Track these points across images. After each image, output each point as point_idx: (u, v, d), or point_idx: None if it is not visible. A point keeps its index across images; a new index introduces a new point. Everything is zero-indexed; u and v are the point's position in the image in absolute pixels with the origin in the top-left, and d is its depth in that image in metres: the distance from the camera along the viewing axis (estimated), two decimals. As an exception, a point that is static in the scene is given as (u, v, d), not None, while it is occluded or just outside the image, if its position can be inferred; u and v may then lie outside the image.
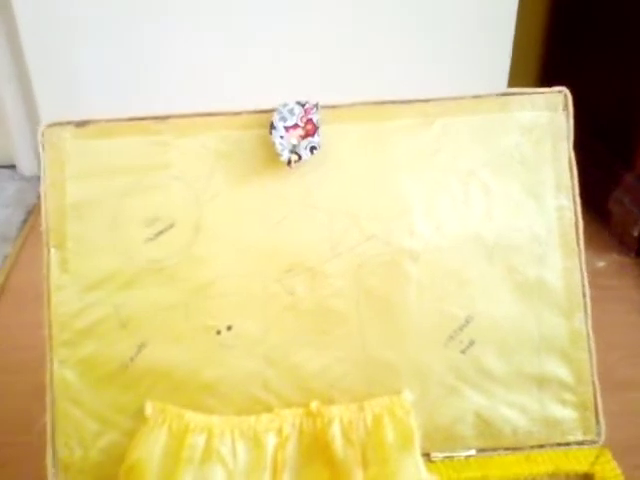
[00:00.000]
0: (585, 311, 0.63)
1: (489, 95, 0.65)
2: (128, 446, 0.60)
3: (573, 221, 0.64)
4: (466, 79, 1.39)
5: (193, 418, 0.59)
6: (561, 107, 0.65)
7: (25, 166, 1.80)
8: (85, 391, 0.62)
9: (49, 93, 1.51)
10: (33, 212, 1.66)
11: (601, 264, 1.34)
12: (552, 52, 1.61)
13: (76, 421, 0.61)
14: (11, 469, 0.92)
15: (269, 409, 0.61)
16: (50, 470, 0.61)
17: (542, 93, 0.65)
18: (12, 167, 1.82)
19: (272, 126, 0.61)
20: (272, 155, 0.62)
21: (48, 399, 0.61)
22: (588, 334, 0.63)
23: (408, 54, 1.40)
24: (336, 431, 0.59)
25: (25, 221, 1.62)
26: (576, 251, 0.64)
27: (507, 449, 0.63)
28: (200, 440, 0.58)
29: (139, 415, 0.61)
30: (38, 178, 1.85)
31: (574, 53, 1.50)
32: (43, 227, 0.63)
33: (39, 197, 1.77)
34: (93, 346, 0.62)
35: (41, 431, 0.62)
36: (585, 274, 0.64)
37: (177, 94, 1.42)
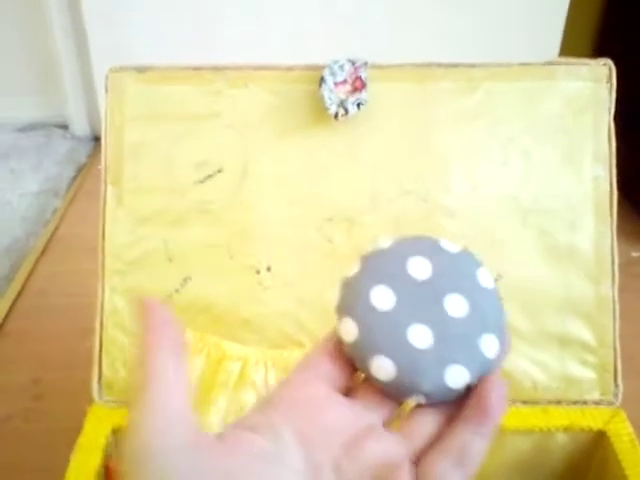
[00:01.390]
0: (613, 278, 0.66)
1: (535, 63, 0.67)
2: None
3: (608, 191, 0.66)
4: (518, 47, 1.40)
5: (230, 347, 0.63)
6: (605, 79, 0.67)
7: (77, 127, 1.86)
8: (132, 318, 0.66)
9: (105, 56, 1.55)
10: (83, 170, 1.71)
11: (635, 254, 1.35)
12: (606, 22, 1.59)
13: (122, 345, 0.65)
14: (51, 402, 0.97)
15: (301, 346, 0.65)
16: (95, 386, 0.65)
17: (587, 64, 0.67)
18: (65, 127, 1.88)
19: (322, 80, 0.64)
20: (320, 109, 0.65)
21: (97, 323, 0.66)
22: (614, 300, 0.66)
23: (463, 21, 1.41)
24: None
25: (75, 178, 1.67)
26: (608, 220, 0.66)
27: (525, 402, 0.65)
28: (235, 367, 0.62)
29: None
30: (89, 138, 1.91)
31: (629, 27, 1.47)
32: (102, 164, 0.67)
33: (89, 156, 1.83)
34: (142, 276, 0.66)
35: (85, 354, 0.67)
36: (615, 242, 0.66)
37: (226, 49, 1.46)
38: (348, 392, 0.34)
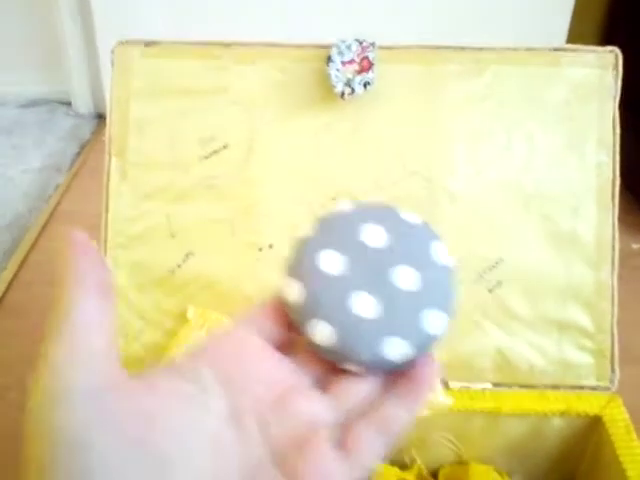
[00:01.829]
0: (613, 264, 0.66)
1: (542, 48, 0.67)
2: (168, 344, 0.64)
3: (611, 178, 0.67)
4: (525, 33, 1.40)
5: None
6: (611, 66, 0.67)
7: (81, 103, 1.85)
8: (133, 291, 0.66)
9: (110, 31, 1.55)
10: (86, 147, 1.71)
11: (636, 246, 1.35)
12: (614, 10, 1.58)
13: (122, 317, 0.66)
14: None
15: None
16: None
17: (594, 51, 0.67)
18: (68, 104, 1.87)
19: (329, 59, 0.64)
20: (327, 88, 0.65)
21: (99, 296, 0.66)
22: (613, 286, 0.66)
23: (472, 4, 1.41)
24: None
25: (78, 154, 1.67)
26: (610, 207, 0.66)
27: (522, 386, 0.66)
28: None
29: (181, 318, 0.65)
30: (93, 115, 1.90)
31: (637, 15, 1.46)
32: (107, 137, 0.67)
33: (93, 133, 1.83)
34: (144, 251, 0.66)
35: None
36: (616, 229, 0.66)
37: (234, 25, 1.45)
38: (284, 350, 0.33)
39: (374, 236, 0.32)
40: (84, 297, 0.27)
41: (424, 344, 0.31)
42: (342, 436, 0.30)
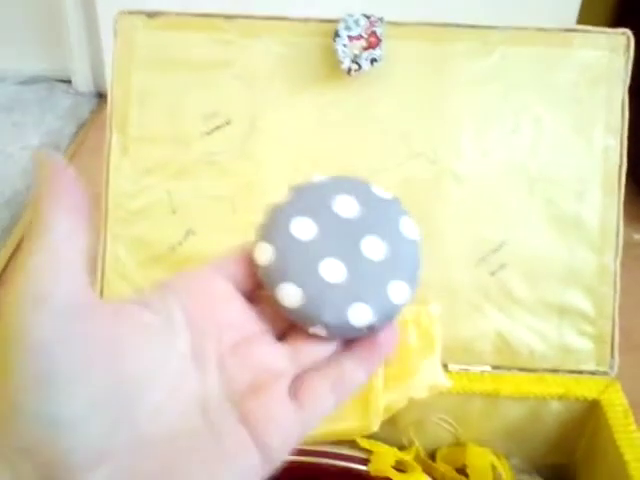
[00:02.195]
0: (616, 250, 0.65)
1: (553, 29, 0.66)
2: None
3: (617, 163, 0.66)
4: (535, 13, 1.38)
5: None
6: (622, 49, 0.66)
7: (81, 82, 1.83)
8: (133, 267, 0.66)
9: (111, 7, 1.53)
10: (85, 126, 1.70)
11: (637, 237, 1.35)
12: None
13: (122, 294, 0.65)
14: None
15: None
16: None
17: (605, 33, 0.66)
18: (68, 82, 1.86)
19: (336, 34, 0.63)
20: (333, 64, 0.64)
21: (98, 272, 0.65)
22: (615, 272, 0.66)
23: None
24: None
25: (76, 134, 1.66)
26: (616, 192, 0.66)
27: (521, 369, 0.65)
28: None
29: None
30: (93, 94, 1.88)
31: None
32: (108, 111, 0.66)
33: (92, 112, 1.81)
34: (144, 227, 0.66)
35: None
36: (621, 215, 0.66)
37: None
38: (251, 301, 0.34)
39: (346, 207, 0.33)
40: (59, 215, 0.27)
41: (388, 313, 0.32)
42: (297, 387, 0.31)
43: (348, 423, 0.58)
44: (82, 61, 1.81)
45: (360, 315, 0.31)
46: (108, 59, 1.73)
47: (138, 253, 0.66)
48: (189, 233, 0.66)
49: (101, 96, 1.81)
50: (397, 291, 0.32)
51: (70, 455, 0.25)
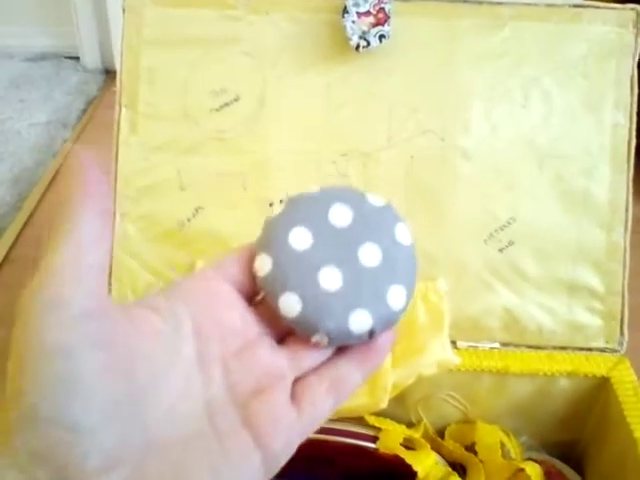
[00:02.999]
0: (625, 226, 0.65)
1: (562, 5, 0.65)
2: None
3: (627, 139, 0.66)
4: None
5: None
6: (631, 25, 0.65)
7: (89, 59, 1.83)
8: (142, 245, 0.66)
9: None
10: (93, 103, 1.70)
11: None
12: None
13: (131, 271, 0.66)
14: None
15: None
16: (104, 310, 0.65)
17: (614, 9, 0.65)
18: (76, 59, 1.86)
19: (345, 10, 0.63)
20: (341, 41, 0.64)
21: (107, 248, 0.65)
22: (625, 248, 0.65)
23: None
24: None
25: (85, 110, 1.66)
26: (625, 168, 0.65)
27: (530, 347, 0.66)
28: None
29: (190, 271, 0.65)
30: (100, 71, 1.88)
31: None
32: (117, 87, 0.66)
33: (100, 89, 1.81)
34: (153, 204, 0.66)
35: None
36: (630, 191, 0.65)
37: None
38: (251, 301, 0.34)
39: (340, 216, 0.34)
40: (88, 218, 0.27)
41: (387, 318, 0.32)
42: (296, 390, 0.32)
43: (356, 400, 0.58)
44: (90, 38, 1.80)
45: (361, 322, 0.32)
46: (116, 36, 1.73)
47: (147, 230, 0.66)
48: (198, 210, 0.66)
49: (109, 73, 1.81)
50: (395, 296, 0.32)
51: (85, 460, 0.25)
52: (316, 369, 0.33)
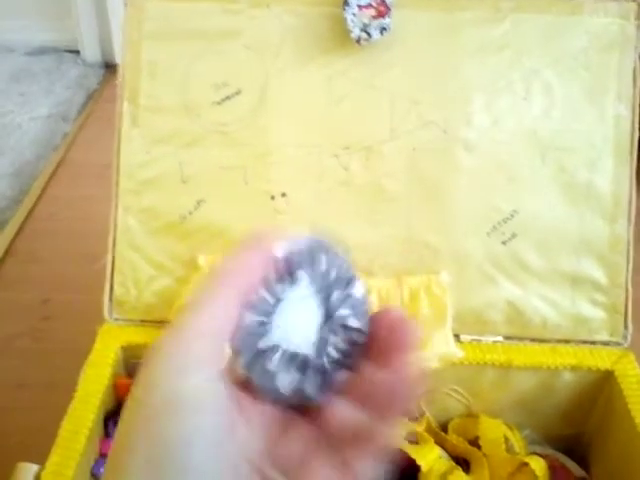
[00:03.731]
0: (629, 218, 0.65)
1: (563, -4, 0.65)
2: (179, 291, 0.64)
3: (629, 131, 0.65)
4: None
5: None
6: (633, 16, 0.65)
7: (89, 53, 1.83)
8: (144, 238, 0.65)
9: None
10: (93, 97, 1.70)
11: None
12: None
13: (133, 264, 0.65)
14: (59, 323, 0.98)
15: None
16: (106, 304, 0.65)
17: (616, 1, 0.65)
18: (76, 52, 1.85)
19: (346, 3, 0.62)
20: (342, 34, 0.63)
21: (110, 242, 0.65)
22: (628, 241, 0.65)
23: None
24: (373, 301, 0.62)
25: (85, 104, 1.66)
26: (628, 160, 0.65)
27: (534, 340, 0.65)
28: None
29: (192, 265, 0.65)
30: (100, 65, 1.88)
31: None
32: (119, 81, 0.66)
33: (100, 83, 1.81)
34: (155, 197, 0.66)
35: (100, 270, 0.67)
36: (634, 183, 0.65)
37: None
38: None
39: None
40: (232, 299, 0.27)
41: (361, 311, 0.31)
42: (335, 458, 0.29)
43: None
44: (90, 32, 1.80)
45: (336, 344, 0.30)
46: (116, 30, 1.73)
47: (148, 223, 0.66)
48: (200, 203, 0.66)
49: (108, 67, 1.81)
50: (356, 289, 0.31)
51: None
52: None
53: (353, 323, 0.31)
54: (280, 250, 0.30)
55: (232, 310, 0.28)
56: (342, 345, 0.31)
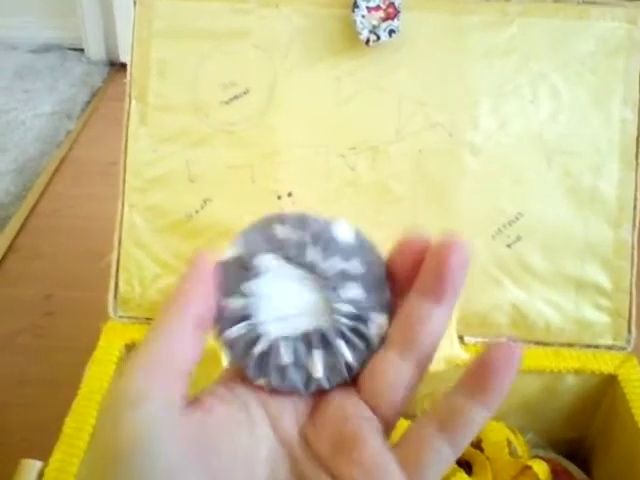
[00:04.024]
0: (633, 223, 0.65)
1: (570, 1, 0.65)
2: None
3: (635, 135, 0.65)
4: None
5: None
6: (640, 21, 0.65)
7: (93, 50, 1.83)
8: (150, 236, 0.66)
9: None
10: (97, 95, 1.70)
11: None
12: None
13: (139, 262, 0.66)
14: (61, 319, 0.98)
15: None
16: (110, 301, 0.65)
17: (622, 5, 0.65)
18: (80, 50, 1.85)
19: (355, 5, 0.63)
20: (351, 35, 0.64)
21: (115, 239, 0.66)
22: (633, 245, 0.65)
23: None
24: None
25: (89, 102, 1.65)
26: (633, 164, 0.65)
27: (538, 343, 0.66)
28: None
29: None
30: (105, 63, 1.88)
31: None
32: (127, 79, 0.66)
33: (104, 81, 1.81)
34: (162, 195, 0.66)
35: (103, 268, 0.67)
36: (639, 187, 0.65)
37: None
38: None
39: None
40: (180, 324, 0.27)
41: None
42: (402, 437, 0.27)
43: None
44: (95, 30, 1.80)
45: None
46: (120, 28, 1.73)
47: (155, 221, 0.66)
48: (206, 202, 0.66)
49: (113, 65, 1.81)
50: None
51: None
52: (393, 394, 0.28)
53: (349, 268, 0.29)
54: (224, 254, 0.30)
55: (186, 336, 0.27)
56: (349, 297, 0.29)
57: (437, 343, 0.28)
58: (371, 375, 0.28)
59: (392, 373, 0.28)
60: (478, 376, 0.26)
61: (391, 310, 0.29)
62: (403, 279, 0.28)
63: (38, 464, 0.53)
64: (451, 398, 0.27)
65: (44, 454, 0.54)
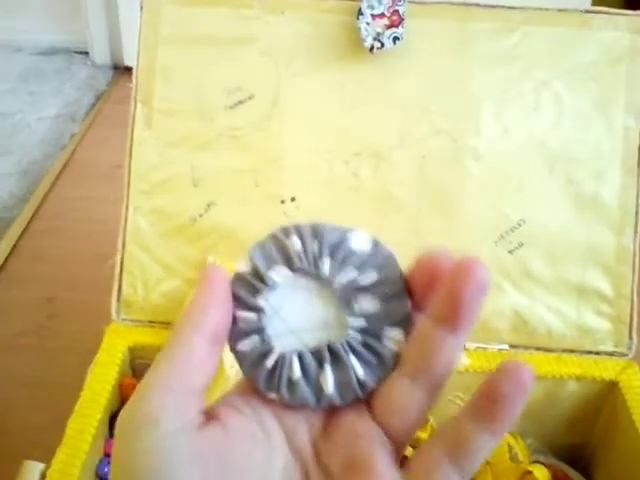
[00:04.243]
0: (635, 229, 0.65)
1: (573, 10, 0.66)
2: (187, 293, 0.65)
3: (637, 143, 0.66)
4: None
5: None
6: (643, 31, 0.66)
7: (98, 54, 1.83)
8: (154, 239, 0.66)
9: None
10: (102, 98, 1.70)
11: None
12: None
13: (142, 265, 0.66)
14: (64, 321, 0.98)
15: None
16: (114, 304, 0.66)
17: (626, 15, 0.66)
18: (85, 53, 1.86)
19: (359, 12, 0.63)
20: (355, 42, 0.64)
21: (119, 242, 0.66)
22: (634, 252, 0.66)
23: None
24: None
25: (93, 105, 1.66)
26: (635, 171, 0.66)
27: (539, 349, 0.66)
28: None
29: (201, 267, 0.65)
30: (109, 66, 1.88)
31: None
32: (133, 83, 0.67)
33: (109, 84, 1.81)
34: (166, 199, 0.66)
35: (106, 270, 0.67)
36: (641, 195, 0.66)
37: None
38: None
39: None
40: (196, 341, 0.27)
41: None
42: (410, 458, 0.28)
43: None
44: (100, 33, 1.80)
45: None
46: (125, 33, 1.74)
47: (159, 225, 0.66)
48: (210, 206, 0.66)
49: (118, 68, 1.81)
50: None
51: None
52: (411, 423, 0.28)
53: (364, 280, 0.28)
54: (239, 266, 0.29)
55: (203, 354, 0.27)
56: (363, 310, 0.28)
57: (449, 372, 0.27)
58: (383, 397, 0.28)
59: (404, 397, 0.28)
60: (487, 402, 0.26)
61: (410, 323, 0.28)
62: (421, 296, 0.28)
63: (40, 466, 0.54)
64: (459, 423, 0.26)
65: (46, 456, 0.55)
